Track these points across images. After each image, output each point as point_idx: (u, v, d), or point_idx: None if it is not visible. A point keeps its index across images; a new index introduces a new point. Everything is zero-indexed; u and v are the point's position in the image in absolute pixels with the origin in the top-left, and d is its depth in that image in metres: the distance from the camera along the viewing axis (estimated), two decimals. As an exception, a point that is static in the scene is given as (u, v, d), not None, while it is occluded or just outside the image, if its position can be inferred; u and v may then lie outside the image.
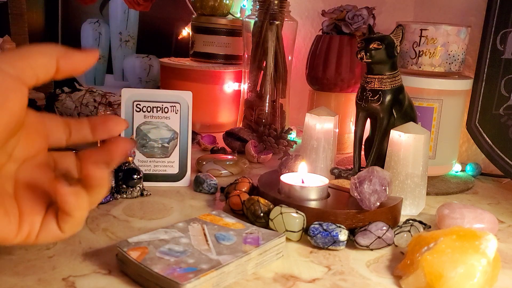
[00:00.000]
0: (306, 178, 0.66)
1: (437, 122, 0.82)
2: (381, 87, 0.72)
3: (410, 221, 0.61)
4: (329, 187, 0.66)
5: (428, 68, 0.82)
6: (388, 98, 0.72)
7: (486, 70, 0.85)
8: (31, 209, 0.35)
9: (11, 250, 0.53)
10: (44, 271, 0.49)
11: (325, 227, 0.57)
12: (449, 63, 0.83)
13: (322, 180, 0.65)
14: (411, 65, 0.83)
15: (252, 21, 1.00)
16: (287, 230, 0.58)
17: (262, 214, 0.61)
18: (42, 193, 0.35)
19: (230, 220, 0.58)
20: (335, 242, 0.56)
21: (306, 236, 0.58)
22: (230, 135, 0.97)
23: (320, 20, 1.05)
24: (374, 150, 0.74)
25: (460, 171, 0.90)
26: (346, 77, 0.99)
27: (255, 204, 0.62)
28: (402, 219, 0.65)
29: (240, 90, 1.10)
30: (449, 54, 0.82)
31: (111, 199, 0.68)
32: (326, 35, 1.01)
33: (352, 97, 0.99)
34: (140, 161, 0.74)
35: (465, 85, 0.84)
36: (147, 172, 0.74)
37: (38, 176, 0.36)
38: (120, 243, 0.51)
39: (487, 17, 0.84)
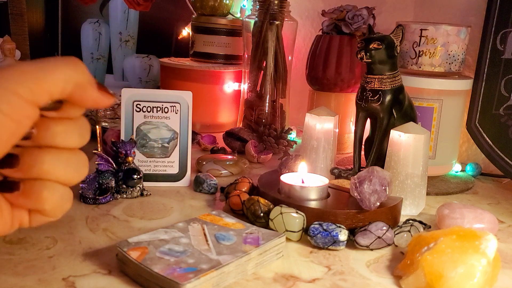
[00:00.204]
0: (306, 178, 0.66)
1: (437, 122, 0.82)
2: (381, 87, 0.72)
3: (410, 221, 0.61)
4: (329, 187, 0.66)
5: (428, 68, 0.82)
6: (388, 98, 0.72)
7: (486, 70, 0.85)
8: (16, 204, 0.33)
9: (11, 250, 0.53)
10: (44, 271, 0.49)
11: (325, 227, 0.57)
12: (449, 63, 0.83)
13: (322, 180, 0.65)
14: (411, 65, 0.83)
15: (252, 21, 1.00)
16: (287, 230, 0.58)
17: (262, 214, 0.61)
18: None
19: (230, 220, 0.58)
20: (335, 242, 0.56)
21: (306, 236, 0.58)
22: (230, 135, 0.97)
23: (320, 20, 1.05)
24: (374, 150, 0.74)
25: (460, 171, 0.90)
26: (346, 77, 0.99)
27: (255, 204, 0.62)
28: (402, 219, 0.65)
29: (240, 90, 1.10)
30: (449, 54, 0.82)
31: (111, 199, 0.68)
32: (326, 35, 1.01)
33: (352, 97, 0.99)
34: (140, 161, 0.74)
35: (465, 85, 0.84)
36: (147, 172, 0.74)
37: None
38: (120, 243, 0.51)
39: (487, 17, 0.84)
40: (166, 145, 0.75)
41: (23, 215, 0.33)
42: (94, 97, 0.31)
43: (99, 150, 0.85)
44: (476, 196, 0.80)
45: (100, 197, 0.67)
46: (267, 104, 1.01)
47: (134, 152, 0.71)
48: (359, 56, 0.71)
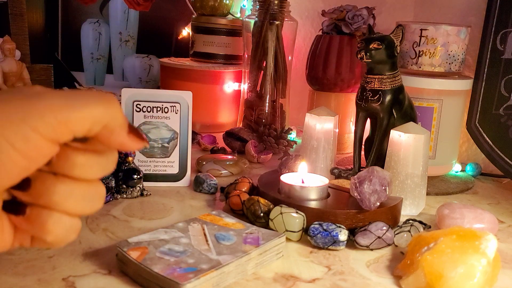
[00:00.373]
0: (306, 178, 0.66)
1: (437, 122, 0.82)
2: (381, 87, 0.72)
3: (410, 221, 0.61)
4: (329, 187, 0.66)
5: (428, 68, 0.82)
6: (388, 98, 0.72)
7: (486, 70, 0.85)
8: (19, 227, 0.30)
9: (11, 250, 0.53)
10: (44, 271, 0.49)
11: (325, 227, 0.57)
12: (449, 63, 0.83)
13: (322, 180, 0.65)
14: (411, 65, 0.83)
15: (252, 21, 1.00)
16: (287, 230, 0.58)
17: (262, 214, 0.61)
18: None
19: (230, 220, 0.58)
20: (335, 242, 0.56)
21: (306, 236, 0.58)
22: (230, 135, 0.97)
23: (320, 20, 1.05)
24: (374, 150, 0.74)
25: (460, 171, 0.90)
26: (346, 77, 0.99)
27: (255, 204, 0.62)
28: (402, 219, 0.65)
29: (240, 90, 1.10)
30: (449, 54, 0.82)
31: (111, 199, 0.68)
32: (326, 35, 1.01)
33: (352, 97, 0.99)
34: (140, 161, 0.74)
35: (465, 85, 0.84)
36: (147, 172, 0.74)
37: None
38: (120, 243, 0.51)
39: (487, 17, 0.84)
40: (166, 145, 0.75)
41: (25, 238, 0.30)
42: (122, 141, 0.28)
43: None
44: (476, 196, 0.80)
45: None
46: (267, 104, 1.01)
47: (134, 152, 0.71)
48: (359, 56, 0.71)
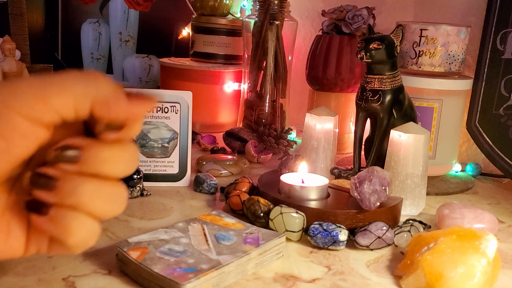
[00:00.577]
0: (306, 178, 0.66)
1: (437, 122, 0.82)
2: (381, 87, 0.72)
3: (410, 221, 0.61)
4: (329, 187, 0.66)
5: (428, 68, 0.82)
6: (388, 98, 0.72)
7: (486, 70, 0.85)
8: (37, 230, 0.29)
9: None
10: (44, 271, 0.49)
11: (325, 227, 0.57)
12: (449, 63, 0.83)
13: (322, 180, 0.65)
14: (411, 65, 0.83)
15: (252, 21, 1.00)
16: (287, 230, 0.58)
17: (262, 214, 0.61)
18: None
19: (230, 220, 0.58)
20: (335, 242, 0.56)
21: (306, 236, 0.58)
22: (230, 135, 0.97)
23: (320, 20, 1.05)
24: (374, 150, 0.74)
25: (460, 171, 0.90)
26: (346, 77, 0.99)
27: (255, 204, 0.62)
28: (402, 219, 0.65)
29: (240, 90, 1.10)
30: (449, 54, 0.82)
31: (111, 199, 0.68)
32: (326, 35, 1.01)
33: (352, 97, 0.99)
34: (140, 161, 0.74)
35: (465, 85, 0.84)
36: (147, 172, 0.74)
37: None
38: (120, 243, 0.51)
39: (487, 17, 0.84)
40: (166, 145, 0.75)
41: (42, 242, 0.29)
42: (126, 110, 0.27)
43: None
44: (476, 196, 0.80)
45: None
46: (267, 104, 1.01)
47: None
48: (359, 56, 0.71)
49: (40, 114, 0.25)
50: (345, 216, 0.60)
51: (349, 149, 1.01)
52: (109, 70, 1.51)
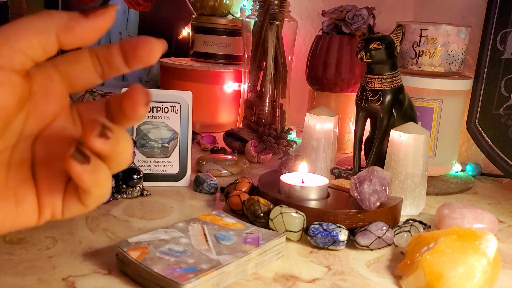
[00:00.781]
0: (306, 178, 0.66)
1: (437, 122, 0.82)
2: (381, 87, 0.72)
3: (410, 221, 0.61)
4: (329, 187, 0.66)
5: (428, 68, 0.82)
6: (388, 98, 0.72)
7: (486, 70, 0.85)
8: (50, 189, 0.30)
9: (11, 250, 0.53)
10: (44, 271, 0.49)
11: (325, 227, 0.57)
12: (449, 63, 0.83)
13: (322, 180, 0.65)
14: (411, 65, 0.83)
15: (252, 21, 1.00)
16: (287, 230, 0.58)
17: (262, 214, 0.61)
18: (61, 167, 0.29)
19: (230, 220, 0.58)
20: (335, 242, 0.56)
21: (306, 236, 0.58)
22: (230, 135, 0.97)
23: (320, 20, 1.05)
24: (374, 150, 0.74)
25: (460, 171, 0.90)
26: (346, 77, 0.99)
27: (255, 204, 0.62)
28: (402, 219, 0.65)
29: (240, 90, 1.10)
30: (449, 54, 0.82)
31: (111, 199, 0.68)
32: (326, 35, 1.01)
33: (352, 97, 0.99)
34: (140, 161, 0.74)
35: (465, 85, 0.84)
36: (147, 172, 0.74)
37: (55, 146, 0.30)
38: (120, 243, 0.51)
39: (487, 17, 0.84)
40: (166, 145, 0.75)
41: (56, 204, 0.30)
42: (90, 26, 0.27)
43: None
44: (476, 196, 0.80)
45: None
46: (267, 104, 1.01)
47: (134, 152, 0.71)
48: (359, 56, 0.71)
49: (9, 59, 0.26)
50: (345, 216, 0.60)
51: (349, 149, 1.01)
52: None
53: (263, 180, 0.70)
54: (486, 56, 0.84)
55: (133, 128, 0.74)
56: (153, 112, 0.74)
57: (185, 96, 0.75)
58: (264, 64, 1.00)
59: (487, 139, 0.85)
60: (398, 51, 0.73)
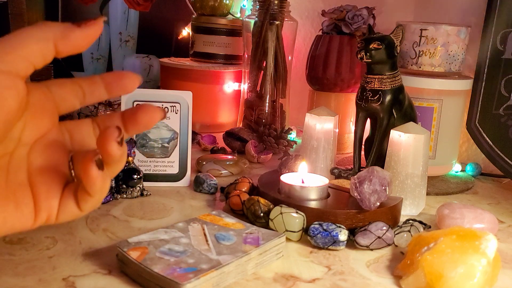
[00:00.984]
0: (306, 178, 0.66)
1: (437, 122, 0.82)
2: (381, 87, 0.72)
3: (410, 221, 0.61)
4: (329, 187, 0.66)
5: (428, 68, 0.82)
6: (388, 98, 0.72)
7: (486, 70, 0.85)
8: (47, 193, 0.33)
9: (11, 250, 0.53)
10: (44, 271, 0.49)
11: (325, 227, 0.57)
12: (449, 63, 0.83)
13: (322, 180, 0.65)
14: (411, 65, 0.83)
15: (252, 21, 1.00)
16: (287, 230, 0.58)
17: (262, 214, 0.61)
18: (57, 174, 0.33)
19: (230, 220, 0.58)
20: (335, 242, 0.56)
21: (306, 236, 0.58)
22: (230, 135, 0.97)
23: (320, 20, 1.05)
24: (374, 150, 0.74)
25: (460, 171, 0.90)
26: (346, 77, 0.99)
27: (255, 204, 0.62)
28: (402, 219, 0.65)
29: (240, 90, 1.10)
30: (449, 54, 0.82)
31: (111, 199, 0.68)
32: (326, 35, 1.01)
33: (352, 97, 0.99)
34: (140, 161, 0.74)
35: (465, 85, 0.84)
36: (147, 172, 0.75)
37: (51, 155, 0.33)
38: (120, 243, 0.51)
39: (487, 17, 0.84)
40: (166, 145, 0.75)
41: (52, 208, 0.33)
42: (82, 35, 0.31)
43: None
44: (476, 196, 0.80)
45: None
46: (267, 104, 1.01)
47: (134, 152, 0.71)
48: (359, 56, 0.71)
49: (14, 65, 0.29)
50: (345, 216, 0.60)
51: (349, 149, 1.01)
52: (109, 70, 1.51)
53: (263, 180, 0.70)
54: (486, 56, 0.84)
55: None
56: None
57: (185, 96, 0.75)
58: (264, 64, 1.00)
59: (487, 139, 0.85)
60: (398, 51, 0.73)
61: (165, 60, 1.17)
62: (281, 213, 0.58)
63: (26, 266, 0.50)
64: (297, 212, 0.58)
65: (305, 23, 1.19)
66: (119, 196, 0.69)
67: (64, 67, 1.41)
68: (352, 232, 0.59)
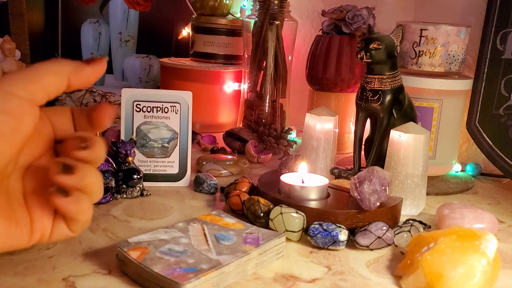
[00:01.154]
0: (306, 178, 0.66)
1: (437, 122, 0.82)
2: (381, 87, 0.72)
3: (410, 221, 0.61)
4: (329, 187, 0.66)
5: (428, 68, 0.82)
6: (388, 98, 0.72)
7: (486, 70, 0.85)
8: (41, 214, 0.35)
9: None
10: (44, 271, 0.49)
11: (325, 227, 0.57)
12: (449, 63, 0.83)
13: (322, 180, 0.65)
14: (411, 65, 0.83)
15: (252, 21, 1.00)
16: (287, 230, 0.58)
17: (262, 214, 0.61)
18: (49, 196, 0.35)
19: (230, 220, 0.58)
20: (335, 242, 0.56)
21: (306, 236, 0.58)
22: (230, 135, 0.97)
23: (320, 20, 1.05)
24: (374, 150, 0.74)
25: (460, 171, 0.90)
26: (346, 77, 0.99)
27: (255, 204, 0.62)
28: (402, 219, 0.65)
29: (240, 90, 1.10)
30: (449, 54, 0.82)
31: (111, 199, 0.68)
32: (326, 35, 1.01)
33: (352, 97, 0.99)
34: (140, 161, 0.74)
35: (465, 85, 0.84)
36: (147, 172, 0.75)
37: (42, 180, 0.36)
38: (120, 243, 0.51)
39: (487, 17, 0.84)
40: (166, 145, 0.75)
41: (45, 228, 0.35)
42: (91, 72, 0.35)
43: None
44: (476, 196, 0.80)
45: (100, 197, 0.67)
46: (267, 104, 1.01)
47: (134, 152, 0.71)
48: (359, 56, 0.71)
49: (34, 94, 0.32)
50: (345, 216, 0.60)
51: (349, 149, 1.01)
52: (109, 70, 1.51)
53: (263, 180, 0.70)
54: (486, 56, 0.84)
55: (133, 128, 0.74)
56: (153, 112, 0.74)
57: (185, 96, 0.75)
58: (264, 64, 1.00)
59: (487, 139, 0.85)
60: (398, 51, 0.73)
61: (165, 60, 1.18)
62: (281, 213, 0.58)
63: (26, 265, 0.50)
64: (297, 212, 0.58)
65: (305, 23, 1.19)
66: (119, 196, 0.69)
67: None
68: (352, 232, 0.59)
